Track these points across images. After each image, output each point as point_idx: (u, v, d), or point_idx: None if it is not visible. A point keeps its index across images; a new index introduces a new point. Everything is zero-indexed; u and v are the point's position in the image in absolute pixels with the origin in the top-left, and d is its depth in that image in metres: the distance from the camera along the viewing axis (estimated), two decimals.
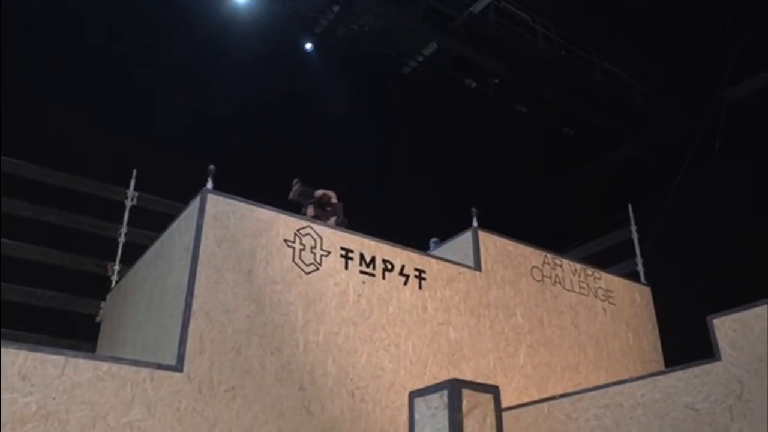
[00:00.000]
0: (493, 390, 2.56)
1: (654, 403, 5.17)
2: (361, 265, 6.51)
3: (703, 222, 11.62)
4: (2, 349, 4.44)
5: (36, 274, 8.26)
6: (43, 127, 9.31)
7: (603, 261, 10.01)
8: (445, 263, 7.22)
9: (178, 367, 5.12)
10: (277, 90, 11.77)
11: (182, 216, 6.11)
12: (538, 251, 8.17)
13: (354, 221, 7.62)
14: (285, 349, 5.70)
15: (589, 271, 8.67)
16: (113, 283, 8.19)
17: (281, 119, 11.82)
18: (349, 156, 11.88)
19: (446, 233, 8.06)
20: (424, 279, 6.92)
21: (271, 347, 5.63)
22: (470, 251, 7.58)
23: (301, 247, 6.19)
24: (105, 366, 4.81)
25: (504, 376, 7.02)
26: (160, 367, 5.06)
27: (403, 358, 6.38)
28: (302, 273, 6.09)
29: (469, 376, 6.66)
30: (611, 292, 8.73)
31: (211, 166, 6.03)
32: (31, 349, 4.60)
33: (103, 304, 8.20)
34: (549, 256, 8.27)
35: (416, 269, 6.91)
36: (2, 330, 7.42)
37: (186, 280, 5.50)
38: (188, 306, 5.35)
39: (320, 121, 12.16)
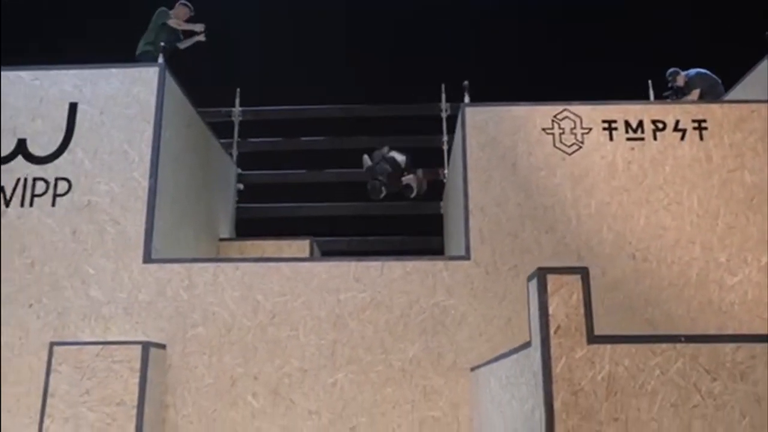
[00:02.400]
0: (581, 271, 3.03)
1: None
2: (627, 132, 6.67)
3: None
4: (339, 263, 6.29)
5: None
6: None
7: None
8: (731, 105, 6.77)
9: (467, 256, 6.36)
10: None
11: (456, 132, 7.19)
12: None
13: None
14: (558, 226, 6.43)
15: None
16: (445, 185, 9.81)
17: None
18: None
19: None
20: (705, 129, 6.67)
21: (545, 227, 6.42)
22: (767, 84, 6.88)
23: (561, 130, 6.69)
24: (410, 264, 6.33)
25: None
26: (452, 258, 6.39)
27: (687, 214, 6.44)
28: (565, 155, 6.62)
29: None
30: None
31: (465, 82, 6.91)
32: (357, 260, 6.37)
33: (441, 203, 9.95)
34: None
35: (694, 121, 6.69)
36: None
37: (462, 183, 6.63)
38: (465, 206, 6.50)
39: None
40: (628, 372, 2.94)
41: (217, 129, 9.12)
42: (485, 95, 6.99)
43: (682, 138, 6.65)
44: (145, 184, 6.41)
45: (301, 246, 8.73)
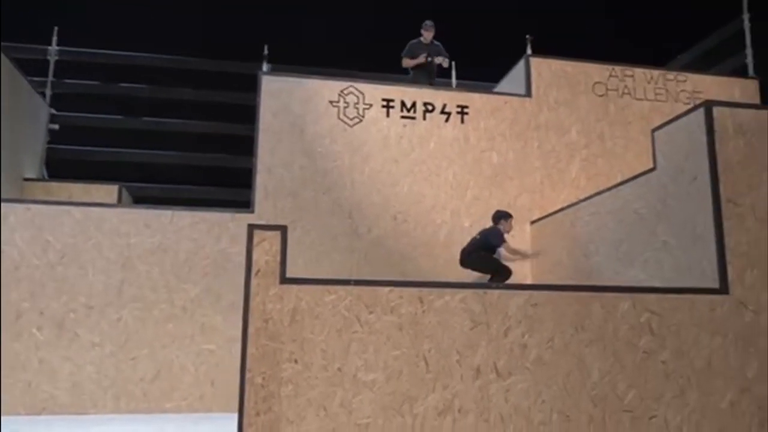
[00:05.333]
0: (281, 228, 3.92)
1: (617, 210, 5.89)
2: (402, 111, 7.71)
3: None
4: (130, 209, 6.82)
5: (204, 142, 10.86)
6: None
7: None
8: (489, 95, 8.03)
9: (251, 209, 7.14)
10: None
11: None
12: (603, 66, 8.39)
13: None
14: (335, 188, 7.38)
15: (671, 75, 8.61)
16: None
17: None
18: None
19: None
20: (467, 113, 7.87)
21: (323, 188, 7.35)
22: (523, 80, 8.19)
23: (345, 104, 7.59)
24: (199, 214, 7.01)
25: (552, 190, 7.89)
26: (237, 211, 7.14)
27: (443, 185, 7.63)
28: (347, 126, 7.54)
29: (512, 194, 7.77)
30: (699, 92, 8.60)
31: (265, 52, 7.57)
32: (149, 208, 6.94)
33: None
34: (617, 68, 8.43)
35: (458, 106, 7.87)
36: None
37: (254, 144, 7.37)
38: (255, 165, 7.25)
39: None
40: (308, 306, 3.89)
41: (29, 66, 9.09)
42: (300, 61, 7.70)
43: (447, 120, 7.81)
44: None
45: (109, 191, 9.04)
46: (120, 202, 8.95)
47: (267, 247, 3.88)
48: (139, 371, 6.55)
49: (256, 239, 3.88)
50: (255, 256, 3.86)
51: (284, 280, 3.89)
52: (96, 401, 6.41)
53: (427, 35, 8.23)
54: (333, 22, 12.08)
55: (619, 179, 8.08)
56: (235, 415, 6.31)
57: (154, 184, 10.50)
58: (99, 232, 6.72)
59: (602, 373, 4.18)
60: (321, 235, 7.20)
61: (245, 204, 10.22)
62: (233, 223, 7.04)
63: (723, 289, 4.43)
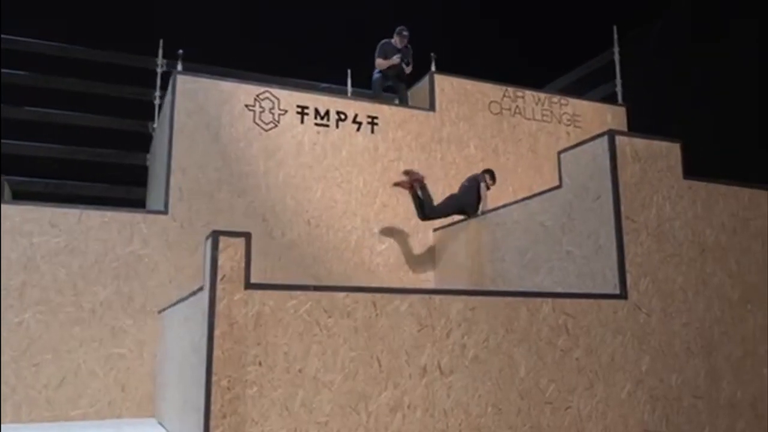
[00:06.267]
0: (245, 235, 4.06)
1: (524, 221, 6.49)
2: (315, 118, 7.91)
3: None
4: (34, 207, 6.47)
5: (93, 136, 10.36)
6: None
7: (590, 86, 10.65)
8: (398, 108, 8.45)
9: (165, 210, 7.02)
10: None
11: (167, 95, 7.71)
12: (498, 86, 9.09)
13: None
14: (250, 191, 7.43)
15: (555, 99, 9.50)
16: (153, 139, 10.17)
17: None
18: None
19: None
20: (377, 124, 8.22)
21: (238, 191, 7.38)
22: (428, 94, 8.69)
23: (261, 109, 7.66)
24: (109, 214, 6.78)
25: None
26: (150, 212, 7.00)
27: (354, 192, 7.93)
28: (262, 131, 7.62)
29: None
30: (578, 116, 9.57)
31: (180, 51, 7.46)
32: (55, 206, 6.62)
33: (147, 156, 10.29)
34: (510, 89, 9.17)
35: (369, 116, 8.20)
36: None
37: (167, 144, 7.23)
38: (168, 165, 7.13)
39: None
40: (271, 310, 4.03)
41: None
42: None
43: (358, 129, 8.12)
44: None
45: None
46: (2, 198, 8.38)
47: (232, 253, 3.98)
48: (43, 378, 6.25)
49: (221, 245, 3.96)
50: (220, 261, 3.94)
51: (249, 285, 4.00)
52: None
53: (400, 42, 8.52)
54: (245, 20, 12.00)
55: (510, 191, 8.85)
56: (151, 419, 6.24)
57: (36, 179, 9.85)
58: None
59: (528, 370, 4.69)
60: None
61: (138, 203, 9.98)
62: (145, 224, 6.89)
63: (623, 294, 5.11)
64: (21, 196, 9.18)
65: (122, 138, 10.55)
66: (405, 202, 8.11)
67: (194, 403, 4.14)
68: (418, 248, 8.09)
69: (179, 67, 7.48)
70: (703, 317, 5.40)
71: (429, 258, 8.09)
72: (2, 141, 9.79)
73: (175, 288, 6.80)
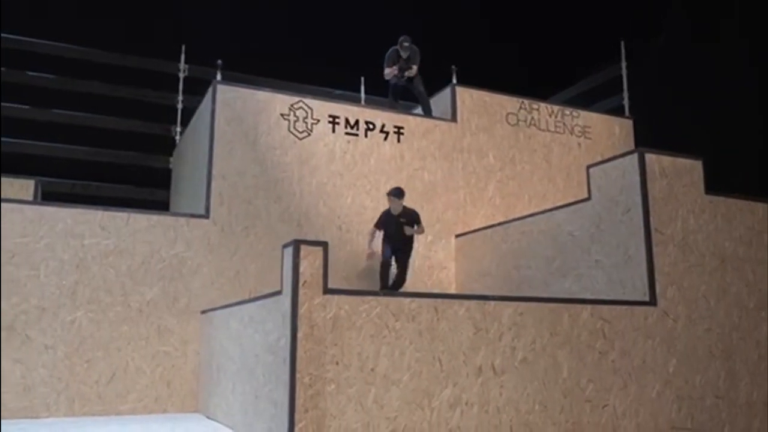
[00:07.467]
0: (324, 244, 4.41)
1: (551, 230, 6.89)
2: (346, 128, 8.26)
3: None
4: (86, 210, 6.74)
5: (116, 139, 10.59)
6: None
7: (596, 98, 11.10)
8: (422, 118, 8.82)
9: (206, 215, 7.32)
10: None
11: (203, 102, 8.00)
12: (514, 99, 9.50)
13: None
14: (285, 197, 7.76)
15: (567, 111, 9.93)
16: (177, 143, 10.43)
17: None
18: None
19: None
20: (403, 134, 8.59)
21: (274, 197, 7.70)
22: (449, 106, 9.07)
23: (295, 118, 7.99)
24: (155, 217, 7.07)
25: (473, 206, 8.84)
26: (193, 216, 7.30)
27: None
28: (296, 139, 7.95)
29: (440, 209, 8.60)
30: (588, 128, 10.01)
31: (219, 61, 7.77)
32: (104, 209, 6.90)
33: (171, 159, 10.55)
34: (526, 101, 9.58)
35: (395, 126, 8.56)
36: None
37: (207, 151, 7.53)
38: (209, 171, 7.43)
39: None
40: (347, 314, 4.39)
41: None
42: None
43: (386, 139, 8.48)
44: None
45: (24, 185, 8.64)
46: (36, 198, 8.61)
47: (312, 260, 4.33)
48: (94, 373, 6.53)
49: (303, 253, 4.31)
50: (302, 268, 4.29)
51: (327, 290, 4.35)
52: (49, 404, 6.31)
53: (403, 51, 8.84)
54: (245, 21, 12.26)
55: (526, 199, 9.29)
56: (196, 414, 6.55)
57: (64, 180, 10.06)
58: (52, 231, 6.58)
59: (569, 370, 5.09)
60: (272, 242, 7.53)
61: (161, 205, 10.23)
62: (188, 227, 7.19)
63: (653, 301, 5.53)
64: (49, 196, 9.38)
65: (144, 141, 10.79)
66: (428, 209, 8.49)
67: (272, 398, 4.49)
68: (440, 253, 8.47)
69: (218, 76, 7.78)
70: (723, 323, 5.84)
71: (451, 263, 8.48)
72: (29, 142, 10.00)
73: (216, 290, 7.13)
